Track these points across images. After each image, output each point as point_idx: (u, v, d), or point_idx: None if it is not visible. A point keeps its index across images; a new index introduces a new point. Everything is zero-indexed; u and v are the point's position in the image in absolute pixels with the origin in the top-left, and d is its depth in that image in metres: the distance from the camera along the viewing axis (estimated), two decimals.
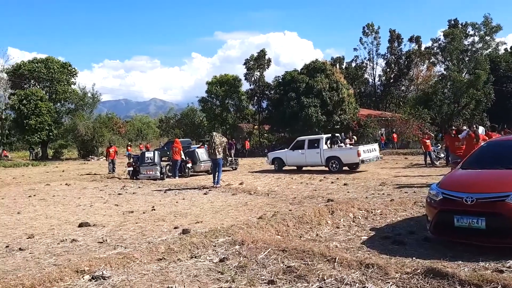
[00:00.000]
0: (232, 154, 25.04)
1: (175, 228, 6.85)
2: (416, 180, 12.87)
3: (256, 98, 39.70)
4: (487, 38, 40.35)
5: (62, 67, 42.21)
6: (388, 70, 49.23)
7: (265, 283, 4.15)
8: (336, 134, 18.94)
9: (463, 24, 42.66)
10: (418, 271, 4.09)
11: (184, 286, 4.15)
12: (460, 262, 4.68)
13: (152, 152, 17.95)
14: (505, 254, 4.73)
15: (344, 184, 12.17)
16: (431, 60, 46.35)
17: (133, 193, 12.30)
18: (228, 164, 19.47)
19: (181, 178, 16.52)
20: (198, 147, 20.85)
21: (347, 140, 19.66)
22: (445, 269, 4.10)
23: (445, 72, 41.88)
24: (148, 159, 17.04)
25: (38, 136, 38.56)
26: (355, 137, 23.15)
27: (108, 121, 43.44)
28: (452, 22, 43.97)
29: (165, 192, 12.08)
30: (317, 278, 4.15)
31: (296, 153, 17.84)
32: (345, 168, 16.79)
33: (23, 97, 37.68)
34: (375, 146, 18.50)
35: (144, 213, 8.59)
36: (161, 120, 66.22)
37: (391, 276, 4.08)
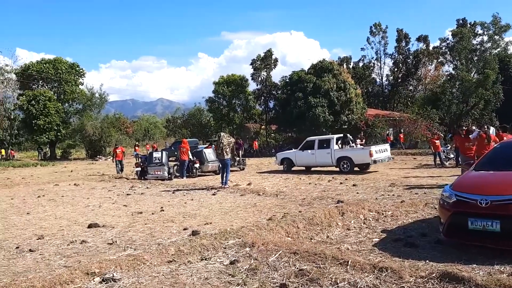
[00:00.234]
0: (241, 154, 25.02)
1: (184, 229, 6.82)
2: (426, 181, 12.73)
3: (263, 98, 39.61)
4: (496, 37, 40.04)
5: (70, 68, 42.60)
6: (395, 69, 48.87)
7: (277, 286, 4.10)
8: (348, 135, 18.83)
9: (472, 23, 42.35)
10: (433, 275, 4.02)
11: None
12: (475, 265, 4.58)
13: (160, 152, 17.98)
14: None
15: (353, 185, 12.05)
16: (439, 60, 45.98)
17: (142, 193, 12.31)
18: (236, 164, 19.46)
19: (189, 179, 16.53)
20: (205, 147, 20.85)
21: (358, 141, 19.56)
22: (461, 273, 4.01)
23: (453, 72, 41.51)
24: (156, 159, 17.08)
25: (47, 136, 38.92)
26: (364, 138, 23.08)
27: (115, 121, 43.76)
28: (461, 21, 43.65)
29: (173, 193, 12.05)
30: (330, 281, 4.09)
31: (306, 154, 17.72)
32: (355, 168, 16.68)
33: (31, 98, 38.05)
34: (387, 146, 18.34)
35: (153, 214, 8.58)
36: (168, 120, 66.30)
37: (406, 280, 4.01)
